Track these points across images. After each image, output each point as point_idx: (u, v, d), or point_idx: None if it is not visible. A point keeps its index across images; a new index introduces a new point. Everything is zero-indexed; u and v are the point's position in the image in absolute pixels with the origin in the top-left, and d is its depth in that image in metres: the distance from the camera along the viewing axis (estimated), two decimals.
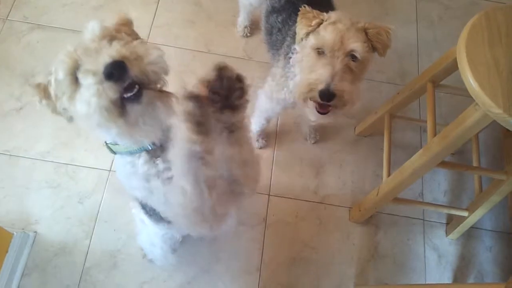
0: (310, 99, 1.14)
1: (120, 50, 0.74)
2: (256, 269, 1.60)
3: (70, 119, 0.86)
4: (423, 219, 1.72)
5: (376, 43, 1.14)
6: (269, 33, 1.49)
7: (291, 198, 1.73)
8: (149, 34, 2.00)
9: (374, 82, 2.00)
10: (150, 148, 0.91)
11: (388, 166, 1.54)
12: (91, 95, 0.72)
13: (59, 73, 0.78)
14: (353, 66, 1.10)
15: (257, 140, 1.77)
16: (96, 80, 0.72)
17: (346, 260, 1.64)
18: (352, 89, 1.10)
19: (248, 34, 2.03)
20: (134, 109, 0.76)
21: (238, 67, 1.93)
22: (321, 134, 1.86)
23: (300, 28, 1.17)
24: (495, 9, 1.17)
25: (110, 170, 1.69)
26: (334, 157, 1.83)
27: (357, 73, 1.13)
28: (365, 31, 1.13)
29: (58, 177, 1.66)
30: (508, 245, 1.72)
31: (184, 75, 1.93)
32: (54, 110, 0.86)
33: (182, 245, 1.54)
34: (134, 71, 0.74)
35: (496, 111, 1.02)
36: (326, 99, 1.08)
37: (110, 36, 0.82)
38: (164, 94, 0.83)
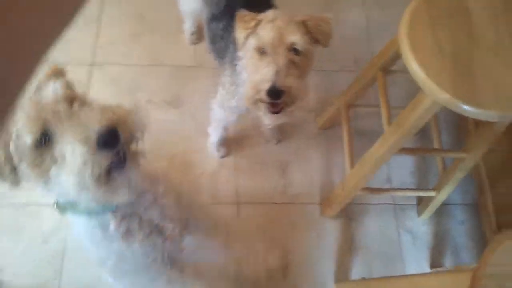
0: (260, 101, 1.11)
1: (111, 117, 0.72)
2: (235, 280, 1.58)
3: (16, 183, 0.78)
4: (394, 203, 1.73)
5: (317, 34, 1.12)
6: (212, 41, 1.45)
7: (260, 203, 1.71)
8: (93, 56, 1.93)
9: (328, 72, 1.98)
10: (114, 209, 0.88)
11: (350, 159, 1.53)
12: (82, 164, 0.69)
13: (25, 138, 0.72)
14: (296, 60, 1.08)
15: (218, 150, 1.74)
16: (88, 149, 0.69)
17: (323, 257, 1.64)
18: (299, 83, 1.08)
19: (196, 41, 1.99)
20: (120, 175, 0.75)
21: (190, 76, 1.91)
22: (282, 133, 1.84)
23: (239, 33, 1.14)
24: None
25: None
26: (299, 154, 1.82)
27: (302, 66, 1.11)
28: (304, 24, 1.10)
29: (18, 219, 1.60)
30: (478, 215, 1.74)
31: (136, 94, 1.88)
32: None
33: None
34: (124, 137, 0.73)
35: (443, 96, 1.02)
36: (275, 97, 1.05)
37: (71, 97, 0.78)
38: (138, 155, 0.82)
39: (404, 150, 1.31)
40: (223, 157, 1.77)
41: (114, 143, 0.71)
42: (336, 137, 1.84)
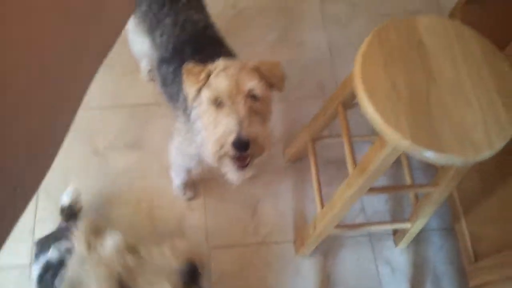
0: (225, 156, 1.03)
1: (184, 253, 0.79)
2: None
3: None
4: (370, 235, 1.67)
5: (271, 78, 1.08)
6: (163, 84, 1.38)
7: (232, 247, 1.63)
8: None
9: (292, 101, 1.92)
10: None
11: (319, 197, 1.47)
12: None
13: None
14: (256, 106, 1.02)
15: (184, 193, 1.66)
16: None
17: None
18: (264, 131, 1.02)
19: (154, 78, 1.91)
20: None
21: (150, 115, 1.82)
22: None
23: (189, 87, 1.07)
24: (386, 27, 1.11)
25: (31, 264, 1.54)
26: (268, 190, 1.75)
27: (263, 113, 1.05)
28: (257, 70, 1.05)
29: None
30: (457, 239, 1.69)
31: (95, 139, 1.79)
32: None
33: None
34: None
35: (403, 142, 0.96)
36: (242, 149, 0.97)
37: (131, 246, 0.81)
38: None
39: (372, 190, 1.25)
40: (190, 199, 1.69)
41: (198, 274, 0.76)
42: (306, 168, 1.77)
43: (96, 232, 0.86)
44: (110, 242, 0.79)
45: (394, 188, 1.61)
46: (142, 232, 1.65)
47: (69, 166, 1.72)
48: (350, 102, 1.33)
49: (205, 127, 1.08)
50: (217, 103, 1.02)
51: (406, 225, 1.51)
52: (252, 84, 1.01)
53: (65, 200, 1.46)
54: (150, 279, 0.74)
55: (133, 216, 1.69)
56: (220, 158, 1.03)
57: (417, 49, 1.08)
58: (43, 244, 1.24)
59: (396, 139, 0.97)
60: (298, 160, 1.78)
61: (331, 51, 2.05)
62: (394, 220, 1.68)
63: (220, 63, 1.06)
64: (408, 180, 1.52)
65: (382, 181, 1.76)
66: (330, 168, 1.78)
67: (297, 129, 1.84)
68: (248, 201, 1.72)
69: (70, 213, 1.48)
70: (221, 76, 1.02)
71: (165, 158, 1.75)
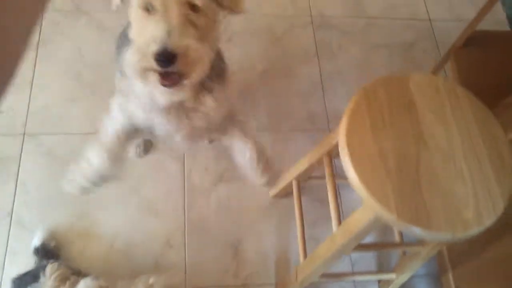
0: (148, 70, 0.82)
1: None
2: None
3: None
4: (354, 281, 1.61)
5: None
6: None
7: None
8: (25, 123, 1.76)
9: (282, 133, 1.86)
10: None
11: (303, 245, 1.41)
12: None
13: None
14: (195, 18, 0.82)
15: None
16: None
17: None
18: (200, 46, 0.81)
19: None
20: None
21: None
22: (234, 204, 1.71)
23: None
24: (375, 85, 1.05)
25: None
26: (251, 228, 1.68)
27: (203, 28, 0.84)
28: None
29: None
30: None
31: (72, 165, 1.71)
32: None
33: None
34: None
35: (389, 217, 0.90)
36: (166, 62, 0.78)
37: None
38: None
39: (358, 247, 1.19)
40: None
41: None
42: (291, 206, 1.71)
43: (64, 279, 0.83)
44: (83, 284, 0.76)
45: (381, 246, 1.55)
46: (118, 270, 1.58)
47: (44, 195, 1.65)
48: (337, 153, 1.27)
49: (133, 36, 0.87)
50: (148, 8, 0.81)
51: (392, 276, 1.45)
52: None
53: (36, 242, 1.40)
54: None
55: (109, 253, 1.62)
56: (143, 73, 0.82)
57: (408, 110, 1.02)
58: (20, 284, 1.19)
59: (381, 213, 0.91)
60: (284, 197, 1.73)
61: (322, 81, 1.99)
62: (379, 270, 1.62)
63: None
64: (396, 237, 1.46)
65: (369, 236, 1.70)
66: (316, 207, 1.73)
67: (285, 163, 1.78)
68: (230, 239, 1.66)
69: (45, 252, 1.42)
70: None
71: (146, 192, 1.70)
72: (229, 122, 1.10)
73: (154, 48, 0.76)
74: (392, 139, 0.98)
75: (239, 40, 2.04)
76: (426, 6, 2.24)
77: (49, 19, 1.97)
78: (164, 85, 0.83)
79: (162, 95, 0.89)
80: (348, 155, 0.95)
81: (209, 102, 0.98)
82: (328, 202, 1.66)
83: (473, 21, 1.45)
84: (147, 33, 0.79)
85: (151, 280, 0.82)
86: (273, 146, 1.83)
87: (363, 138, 0.98)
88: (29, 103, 1.80)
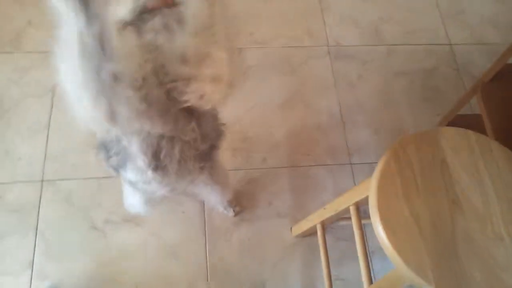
0: None
1: None
2: None
3: None
4: None
5: None
6: None
7: None
8: (43, 169, 1.75)
9: (301, 168, 1.82)
10: None
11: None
12: None
13: None
14: None
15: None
16: None
17: None
18: None
19: None
20: None
21: None
22: (256, 244, 1.67)
23: None
24: (404, 143, 1.00)
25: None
26: (275, 269, 1.64)
27: None
28: None
29: None
30: None
31: (91, 211, 1.70)
32: None
33: None
34: None
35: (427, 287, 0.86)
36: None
37: None
38: None
39: None
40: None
41: None
42: (314, 245, 1.67)
43: None
44: None
45: None
46: None
47: (64, 243, 1.63)
48: (365, 203, 1.22)
49: None
50: None
51: None
52: None
53: None
54: None
55: None
56: None
57: (440, 170, 0.97)
58: None
59: (418, 283, 0.86)
60: (307, 235, 1.68)
61: (342, 112, 1.94)
62: None
63: None
64: None
65: None
66: (341, 246, 1.68)
67: (306, 199, 1.74)
68: (254, 281, 1.61)
69: None
70: None
71: (166, 236, 1.67)
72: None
73: None
74: (425, 202, 0.93)
75: (255, 73, 2.01)
76: (446, 30, 2.18)
77: None
78: None
79: None
80: (380, 221, 0.91)
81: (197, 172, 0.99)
82: (352, 241, 1.63)
83: (504, 54, 1.39)
84: None
85: None
86: (292, 182, 1.79)
87: (395, 202, 0.93)
88: (46, 149, 1.79)
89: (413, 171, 0.96)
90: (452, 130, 1.03)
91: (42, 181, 1.73)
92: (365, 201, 1.19)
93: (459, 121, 1.71)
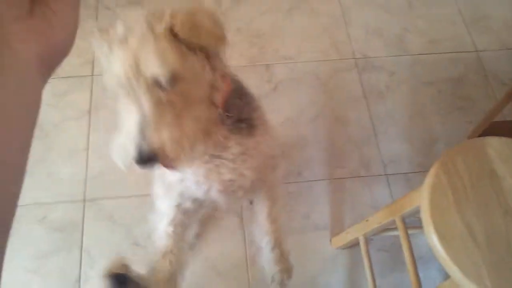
0: None
1: None
2: None
3: None
4: None
5: (196, 39, 0.72)
6: None
7: None
8: (85, 190, 1.80)
9: (337, 181, 1.84)
10: None
11: None
12: None
13: None
14: (168, 98, 0.71)
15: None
16: None
17: None
18: (177, 132, 0.71)
19: None
20: None
21: None
22: (296, 256, 1.69)
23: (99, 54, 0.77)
24: (451, 154, 1.02)
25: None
26: (317, 282, 1.66)
27: (184, 97, 0.73)
28: (170, 33, 0.71)
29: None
30: None
31: (132, 228, 1.74)
32: None
33: None
34: None
35: None
36: (145, 164, 0.71)
37: None
38: None
39: None
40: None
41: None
42: (356, 257, 1.69)
43: None
44: None
45: None
46: None
47: (109, 256, 1.67)
48: (411, 215, 1.24)
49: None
50: (122, 87, 0.72)
51: None
52: (156, 69, 0.69)
53: None
54: None
55: None
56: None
57: (490, 180, 0.99)
58: None
59: None
60: (348, 247, 1.70)
61: (373, 124, 1.96)
62: None
63: (119, 26, 0.72)
64: None
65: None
66: (383, 256, 1.69)
67: (343, 211, 1.76)
68: None
69: None
70: (119, 52, 0.70)
71: (207, 250, 1.69)
72: (258, 183, 1.03)
73: (132, 152, 0.70)
74: (477, 213, 0.95)
75: (284, 89, 2.04)
76: (471, 37, 2.20)
77: (98, 83, 2.02)
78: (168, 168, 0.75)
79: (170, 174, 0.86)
80: (434, 232, 0.93)
81: (234, 147, 0.90)
82: (392, 252, 1.64)
83: None
84: (125, 125, 0.73)
85: None
86: (328, 194, 1.81)
87: (447, 213, 0.95)
88: (86, 169, 1.84)
89: (463, 182, 0.98)
90: (496, 139, 1.05)
91: (85, 200, 1.78)
92: (410, 212, 1.22)
93: (494, 128, 1.72)
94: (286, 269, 1.13)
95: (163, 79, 0.70)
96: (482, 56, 2.15)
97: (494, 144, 1.04)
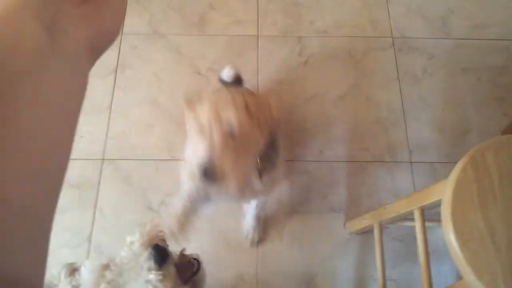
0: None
1: None
2: None
3: None
4: None
5: (261, 117, 1.04)
6: None
7: None
8: (104, 150, 1.80)
9: (359, 163, 1.78)
10: None
11: None
12: None
13: None
14: (234, 145, 0.98)
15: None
16: None
17: None
18: (235, 166, 0.98)
19: None
20: None
21: None
22: (307, 237, 1.66)
23: (187, 113, 1.06)
24: (482, 149, 0.95)
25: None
26: (326, 265, 1.62)
27: (242, 152, 1.00)
28: (245, 106, 1.01)
29: None
30: None
31: (148, 192, 1.73)
32: None
33: None
34: None
35: None
36: (208, 179, 0.96)
37: None
38: None
39: None
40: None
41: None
42: (368, 243, 1.64)
43: (72, 272, 0.97)
44: (84, 270, 0.94)
45: None
46: None
47: (121, 221, 1.68)
48: (431, 208, 1.18)
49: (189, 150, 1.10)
50: (201, 131, 1.00)
51: None
52: (230, 117, 0.97)
53: None
54: (132, 276, 0.90)
55: None
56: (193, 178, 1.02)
57: None
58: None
59: None
60: (362, 233, 1.65)
61: (404, 108, 1.88)
62: None
63: (212, 91, 1.07)
64: None
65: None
66: (395, 246, 1.64)
67: (361, 196, 1.71)
68: (303, 276, 1.61)
69: None
70: (205, 107, 1.00)
71: (218, 222, 1.68)
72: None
73: (200, 170, 0.95)
74: (503, 214, 0.88)
75: (315, 63, 1.97)
76: None
77: (126, 43, 2.00)
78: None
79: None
80: (453, 231, 0.87)
81: (257, 185, 1.17)
82: (407, 242, 1.59)
83: None
84: (198, 153, 0.97)
85: (128, 239, 0.97)
86: (349, 176, 1.76)
87: (470, 212, 0.89)
88: (107, 128, 1.84)
89: (491, 180, 0.91)
90: None
91: (103, 159, 1.78)
92: (431, 205, 1.15)
93: None
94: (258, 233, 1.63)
95: (235, 130, 0.97)
96: None
97: None
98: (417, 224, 1.16)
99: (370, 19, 2.07)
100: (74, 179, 1.74)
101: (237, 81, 1.51)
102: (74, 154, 1.77)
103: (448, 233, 0.88)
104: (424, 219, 1.16)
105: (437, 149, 1.80)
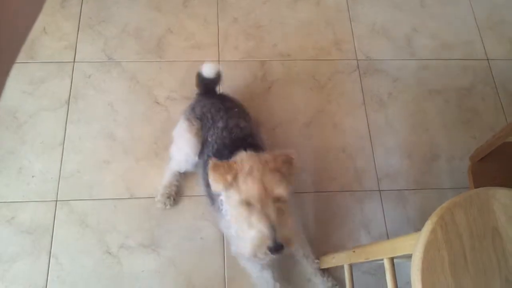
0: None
1: None
2: None
3: None
4: None
5: (289, 176, 1.16)
6: (207, 184, 1.32)
7: None
8: (57, 190, 1.68)
9: (327, 194, 1.72)
10: None
11: None
12: None
13: None
14: (280, 206, 1.10)
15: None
16: None
17: None
18: (292, 228, 1.11)
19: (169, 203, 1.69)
20: None
21: (167, 212, 1.62)
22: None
23: (215, 183, 1.14)
24: (451, 207, 0.90)
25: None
26: None
27: (287, 210, 1.12)
28: (277, 169, 1.13)
29: None
30: None
31: (105, 234, 1.63)
32: None
33: None
34: None
35: None
36: (278, 252, 1.07)
37: None
38: None
39: None
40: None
41: None
42: (340, 278, 1.58)
43: None
44: None
45: None
46: None
47: (77, 268, 1.57)
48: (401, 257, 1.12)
49: (237, 224, 1.14)
50: (247, 203, 1.09)
51: None
52: (280, 191, 1.09)
53: None
54: None
55: None
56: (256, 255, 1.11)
57: (492, 242, 0.86)
58: None
59: None
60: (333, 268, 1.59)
61: (370, 134, 1.83)
62: None
63: (244, 163, 1.13)
64: None
65: None
66: (367, 280, 1.60)
67: (330, 229, 1.65)
68: None
69: None
70: (249, 180, 1.09)
71: (182, 263, 1.59)
72: None
73: (268, 243, 1.06)
74: (475, 280, 0.83)
75: (280, 88, 1.90)
76: (483, 43, 2.04)
77: (79, 71, 1.88)
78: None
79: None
80: None
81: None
82: (378, 276, 1.55)
83: None
84: (256, 230, 1.06)
85: None
86: (317, 208, 1.70)
87: (441, 279, 0.83)
88: (60, 167, 1.72)
89: (461, 242, 0.86)
90: (504, 192, 0.92)
91: (57, 201, 1.66)
92: (402, 257, 1.10)
93: (507, 148, 1.59)
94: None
95: (283, 197, 1.10)
96: (493, 65, 1.99)
97: (502, 197, 0.91)
98: (388, 275, 1.10)
99: (334, 40, 2.02)
100: (25, 224, 1.62)
101: (217, 77, 1.57)
102: (25, 196, 1.66)
103: None
104: (394, 268, 1.11)
105: (406, 176, 1.76)
